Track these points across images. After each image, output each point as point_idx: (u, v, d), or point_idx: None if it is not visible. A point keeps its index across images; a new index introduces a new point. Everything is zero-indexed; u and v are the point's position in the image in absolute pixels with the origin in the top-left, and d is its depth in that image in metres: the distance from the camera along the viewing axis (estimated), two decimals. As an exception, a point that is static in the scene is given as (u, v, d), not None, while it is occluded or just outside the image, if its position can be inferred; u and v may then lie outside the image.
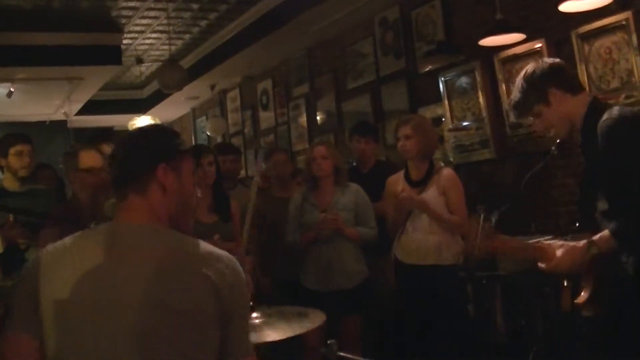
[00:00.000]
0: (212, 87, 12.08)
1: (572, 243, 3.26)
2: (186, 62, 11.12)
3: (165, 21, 9.39)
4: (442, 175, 5.38)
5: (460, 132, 7.01)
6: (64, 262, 2.22)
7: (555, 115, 3.32)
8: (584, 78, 5.58)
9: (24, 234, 4.86)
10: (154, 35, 10.20)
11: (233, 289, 2.27)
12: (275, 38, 9.13)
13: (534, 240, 3.50)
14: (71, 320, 2.15)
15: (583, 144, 3.30)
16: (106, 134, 6.65)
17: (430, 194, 5.28)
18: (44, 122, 12.68)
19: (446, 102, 7.15)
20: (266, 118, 11.30)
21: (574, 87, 3.34)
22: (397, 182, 5.50)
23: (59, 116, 12.40)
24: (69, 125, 12.95)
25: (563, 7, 5.23)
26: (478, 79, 6.74)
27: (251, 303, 3.07)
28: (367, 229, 5.60)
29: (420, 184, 5.38)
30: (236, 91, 12.38)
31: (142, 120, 11.71)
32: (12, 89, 10.18)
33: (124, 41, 10.07)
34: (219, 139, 12.50)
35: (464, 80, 6.96)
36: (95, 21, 9.09)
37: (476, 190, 6.58)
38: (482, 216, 3.57)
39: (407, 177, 5.47)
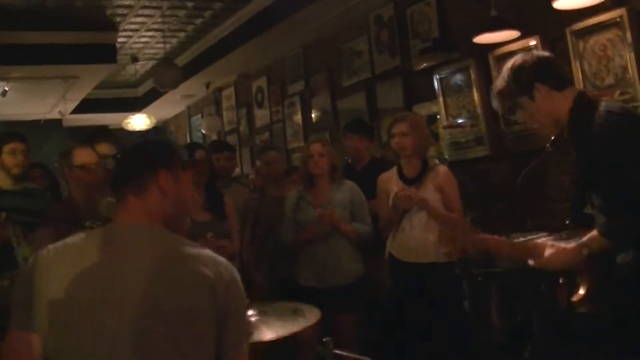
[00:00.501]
0: (207, 85, 12.08)
1: (562, 244, 3.28)
2: (181, 61, 11.11)
3: (160, 19, 9.38)
4: (438, 172, 5.39)
5: (455, 130, 7.01)
6: (62, 262, 2.23)
7: (539, 111, 3.31)
8: (578, 75, 5.59)
9: (16, 231, 4.86)
10: (149, 33, 10.19)
11: (230, 288, 2.28)
12: (270, 36, 9.13)
13: (528, 238, 3.49)
14: (69, 319, 2.16)
15: (572, 139, 3.28)
16: (102, 132, 6.63)
17: (427, 192, 5.28)
18: (39, 121, 12.67)
19: (441, 99, 7.15)
20: (261, 116, 11.29)
21: (560, 83, 3.32)
22: (389, 180, 5.50)
23: (54, 115, 12.39)
24: (64, 124, 12.95)
25: (557, 4, 5.23)
26: (473, 76, 6.74)
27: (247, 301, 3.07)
28: (363, 226, 5.61)
29: (414, 182, 5.37)
30: (231, 89, 12.37)
31: (137, 119, 11.72)
32: (6, 88, 10.17)
33: (119, 39, 10.07)
34: (214, 137, 12.49)
35: (458, 78, 6.96)
36: (90, 20, 9.08)
37: (471, 187, 6.58)
38: (468, 217, 3.59)
39: (401, 175, 5.46)
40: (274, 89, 10.87)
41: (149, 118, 12.12)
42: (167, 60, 9.87)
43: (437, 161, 6.18)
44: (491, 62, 6.46)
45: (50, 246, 2.33)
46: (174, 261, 2.25)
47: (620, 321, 3.05)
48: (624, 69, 5.34)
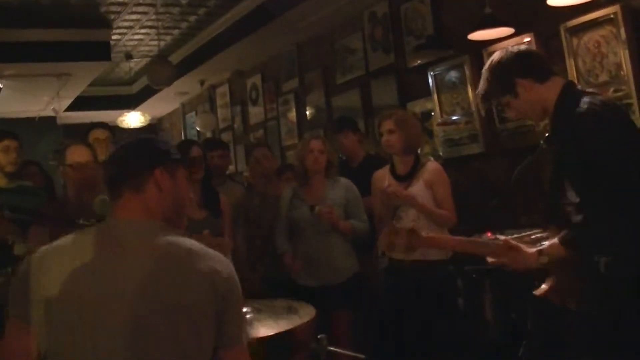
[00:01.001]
0: (202, 82, 12.06)
1: (523, 246, 3.28)
2: (175, 58, 11.10)
3: (154, 17, 9.37)
4: (428, 169, 5.38)
5: (449, 127, 7.01)
6: (60, 260, 2.24)
7: (525, 105, 3.28)
8: (572, 72, 5.59)
9: (11, 229, 4.85)
10: (143, 30, 10.17)
11: (228, 282, 2.32)
12: (265, 33, 9.12)
13: (522, 234, 3.48)
14: (67, 318, 2.17)
15: (554, 131, 3.26)
16: (98, 123, 6.62)
17: (417, 188, 5.27)
18: (34, 118, 12.64)
19: (435, 96, 7.15)
20: (256, 113, 11.28)
21: (543, 74, 3.28)
22: (383, 177, 5.50)
23: (48, 113, 12.36)
24: (58, 121, 12.93)
25: (552, 1, 5.24)
26: (467, 73, 6.74)
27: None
28: (359, 223, 5.61)
29: (406, 179, 5.37)
30: (225, 86, 12.35)
31: (132, 116, 11.69)
32: (0, 86, 10.14)
33: (113, 37, 10.05)
34: (209, 135, 12.48)
35: (453, 75, 6.96)
36: (84, 17, 9.06)
37: (465, 184, 6.58)
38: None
39: (393, 172, 5.46)
40: (268, 86, 10.86)
41: (143, 115, 12.09)
42: (161, 57, 9.84)
43: (431, 158, 6.18)
44: (485, 59, 6.42)
45: (48, 245, 2.34)
46: (172, 257, 2.26)
47: (596, 317, 3.05)
48: (618, 66, 5.34)
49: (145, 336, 2.16)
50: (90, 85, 11.51)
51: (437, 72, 7.12)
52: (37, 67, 9.69)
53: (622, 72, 5.31)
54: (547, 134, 3.39)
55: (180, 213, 2.53)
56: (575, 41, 5.64)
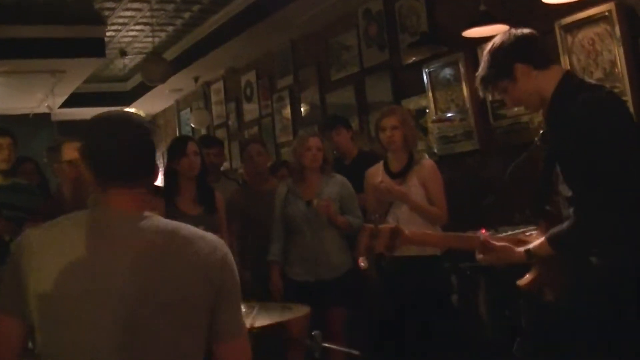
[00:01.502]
0: (196, 79, 12.05)
1: (508, 245, 3.28)
2: (170, 55, 11.09)
3: (148, 13, 9.36)
4: (422, 166, 5.37)
5: (444, 124, 7.02)
6: (51, 252, 2.20)
7: (522, 92, 3.21)
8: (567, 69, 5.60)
9: (8, 227, 4.85)
10: (137, 27, 10.16)
11: (224, 267, 2.31)
12: (259, 30, 9.12)
13: (516, 231, 3.49)
14: (59, 311, 2.14)
15: (549, 120, 3.22)
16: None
17: (411, 185, 5.27)
18: (28, 115, 12.62)
19: (430, 93, 7.16)
20: (250, 110, 11.29)
21: (543, 61, 3.23)
22: (376, 173, 5.49)
23: (42, 109, 12.34)
24: (52, 118, 12.90)
25: (546, -1, 5.25)
26: (462, 70, 6.75)
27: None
28: (355, 218, 5.61)
29: (400, 176, 5.37)
30: (220, 83, 12.35)
31: (126, 113, 11.66)
32: (-6, 82, 10.15)
33: (108, 33, 10.03)
34: (203, 131, 12.47)
35: (447, 72, 6.97)
36: (78, 13, 9.04)
37: (460, 181, 6.59)
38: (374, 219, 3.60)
39: (387, 169, 5.46)
40: (262, 83, 10.87)
41: (138, 112, 12.08)
42: (155, 54, 9.84)
43: (425, 155, 6.18)
44: (480, 56, 6.46)
45: (36, 231, 2.31)
46: (164, 248, 2.23)
47: (600, 317, 3.04)
48: (613, 63, 5.35)
49: (137, 331, 2.14)
50: (85, 82, 11.51)
51: (431, 69, 7.13)
52: (32, 63, 9.68)
53: (616, 70, 5.32)
54: (541, 131, 3.38)
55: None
56: (569, 38, 5.65)
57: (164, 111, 15.32)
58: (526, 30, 3.31)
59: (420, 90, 7.31)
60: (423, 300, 5.21)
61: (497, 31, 5.91)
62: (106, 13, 9.31)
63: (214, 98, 12.63)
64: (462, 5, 6.71)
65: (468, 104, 6.69)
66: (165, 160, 5.64)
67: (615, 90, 5.21)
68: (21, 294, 2.19)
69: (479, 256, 3.36)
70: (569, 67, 5.59)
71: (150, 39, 10.23)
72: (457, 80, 6.82)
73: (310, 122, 9.35)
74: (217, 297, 2.26)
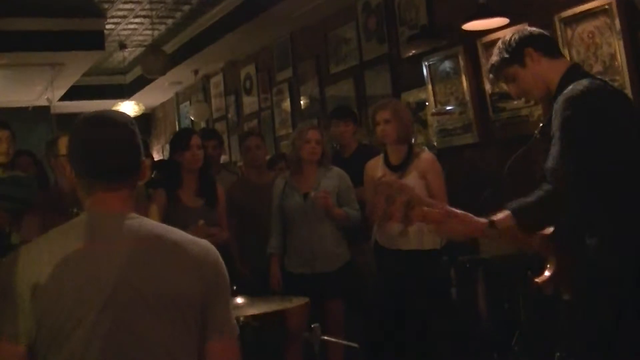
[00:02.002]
0: (196, 72, 12.04)
1: (469, 215, 3.29)
2: (169, 47, 11.08)
3: (148, 6, 9.36)
4: (421, 159, 5.38)
5: (443, 117, 7.02)
6: (45, 255, 2.20)
7: (530, 77, 3.24)
8: (566, 62, 5.59)
9: (5, 219, 4.84)
10: (136, 20, 10.15)
11: (216, 269, 2.31)
12: (258, 23, 9.11)
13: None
14: (54, 312, 2.14)
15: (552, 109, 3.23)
16: None
17: (411, 178, 5.27)
18: (27, 108, 12.62)
19: (429, 86, 7.16)
20: (250, 103, 11.28)
21: (553, 51, 3.29)
22: (376, 167, 5.50)
23: (42, 102, 12.34)
24: (52, 111, 12.89)
25: (546, -9, 5.24)
26: (461, 63, 6.74)
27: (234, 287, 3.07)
28: (353, 211, 5.62)
29: (399, 168, 5.37)
30: (219, 76, 12.34)
31: (126, 106, 11.67)
32: (-7, 75, 10.14)
33: (107, 26, 10.03)
34: (203, 124, 12.47)
35: (447, 65, 6.96)
36: (78, 6, 9.04)
37: (459, 174, 6.59)
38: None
39: (387, 162, 5.46)
40: (262, 76, 10.85)
41: (137, 105, 12.07)
42: (155, 47, 9.83)
43: (425, 148, 6.18)
44: (480, 49, 6.47)
45: (34, 240, 2.32)
46: (157, 249, 2.24)
47: (586, 306, 3.05)
48: (612, 56, 5.35)
49: (130, 330, 2.15)
50: (84, 74, 11.50)
51: (431, 62, 7.12)
52: (31, 56, 9.67)
53: (616, 63, 5.32)
54: (541, 124, 3.39)
55: None
56: (569, 32, 5.64)
57: (164, 104, 15.32)
58: (539, 29, 3.38)
59: (420, 83, 7.30)
60: (422, 294, 5.21)
61: (496, 24, 5.95)
62: (106, 5, 9.31)
63: (213, 91, 12.63)
64: (461, -2, 6.70)
65: (467, 97, 6.69)
66: (168, 152, 5.66)
67: (615, 84, 5.22)
68: (16, 314, 2.18)
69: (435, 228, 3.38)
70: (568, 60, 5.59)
71: (149, 32, 10.23)
72: (457, 73, 6.82)
73: (309, 115, 9.35)
74: (208, 298, 2.27)
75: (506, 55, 3.30)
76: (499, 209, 3.29)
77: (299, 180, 5.69)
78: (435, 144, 7.07)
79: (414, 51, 7.19)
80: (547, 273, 3.20)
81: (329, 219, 5.56)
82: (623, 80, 5.25)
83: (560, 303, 3.26)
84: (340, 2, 8.39)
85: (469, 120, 6.70)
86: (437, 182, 5.32)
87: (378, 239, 5.48)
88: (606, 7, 5.33)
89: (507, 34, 3.42)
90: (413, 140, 5.64)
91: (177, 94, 14.29)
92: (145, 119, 15.19)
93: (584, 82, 3.04)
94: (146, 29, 10.41)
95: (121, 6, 9.40)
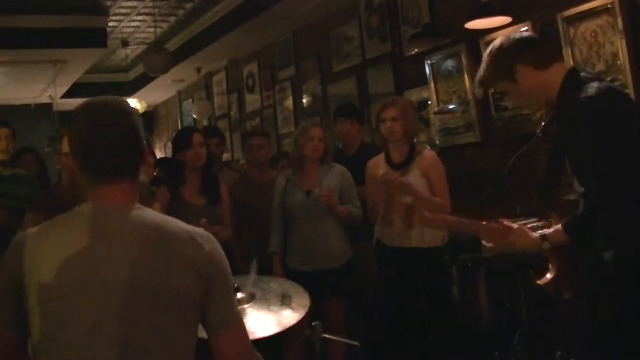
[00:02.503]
0: (198, 70, 12.05)
1: (525, 229, 3.27)
2: (172, 45, 11.09)
3: (150, 3, 9.36)
4: (424, 157, 5.38)
5: (445, 115, 7.01)
6: (48, 247, 2.21)
7: (524, 92, 3.23)
8: (569, 61, 5.58)
9: (5, 216, 4.85)
10: (139, 17, 10.16)
11: (213, 261, 2.31)
12: (261, 21, 9.10)
13: (517, 223, 3.46)
14: (55, 304, 2.15)
15: (556, 118, 3.21)
16: None
17: (413, 176, 5.27)
18: (29, 105, 12.63)
19: (432, 85, 7.15)
20: (252, 101, 11.28)
21: (544, 61, 3.22)
22: (377, 165, 5.50)
23: (44, 99, 12.35)
24: (54, 108, 12.90)
25: (548, -10, 5.23)
26: (464, 62, 6.73)
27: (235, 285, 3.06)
28: (355, 208, 5.62)
29: (401, 167, 5.37)
30: (222, 74, 12.35)
31: (128, 104, 11.67)
32: (-5, 72, 10.15)
33: (110, 24, 10.03)
34: (205, 122, 12.47)
35: (449, 64, 6.95)
36: (80, 3, 9.05)
37: (461, 173, 6.58)
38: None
39: (389, 160, 5.46)
40: (264, 74, 10.86)
41: (140, 103, 12.08)
42: (157, 44, 9.84)
43: (427, 146, 6.18)
44: (482, 47, 6.44)
45: (35, 229, 2.31)
46: (156, 242, 2.24)
47: (594, 308, 3.04)
48: (615, 55, 5.34)
49: (130, 323, 2.15)
50: (87, 72, 11.51)
51: (433, 61, 7.11)
52: (33, 53, 9.68)
53: (618, 62, 5.31)
54: (543, 123, 3.37)
55: None
56: (571, 30, 5.63)
57: (166, 102, 15.33)
58: (525, 33, 3.31)
59: (422, 82, 7.29)
60: (423, 292, 5.21)
61: (499, 23, 5.94)
62: (108, 3, 9.32)
63: (215, 89, 12.63)
64: (463, -3, 6.70)
65: (470, 96, 6.68)
66: (171, 150, 5.67)
67: (617, 83, 5.22)
68: (17, 296, 2.19)
69: (488, 244, 3.35)
70: (571, 59, 5.57)
71: (152, 30, 10.23)
72: (459, 72, 6.81)
73: (312, 113, 9.35)
74: (207, 290, 2.28)
75: (495, 71, 3.28)
76: (500, 208, 3.28)
77: (301, 178, 5.70)
78: (437, 142, 7.06)
79: (416, 50, 7.18)
80: (549, 275, 3.20)
81: (332, 216, 5.56)
82: (625, 79, 5.24)
83: (561, 303, 3.25)
84: (342, 0, 8.39)
85: (471, 119, 6.69)
86: (439, 180, 5.32)
87: (379, 237, 5.48)
88: (609, 6, 5.32)
89: (492, 44, 3.36)
90: (415, 139, 5.62)
91: (179, 92, 14.30)
92: (148, 117, 15.20)
93: (595, 85, 3.03)
94: (149, 27, 10.40)
95: (124, 4, 9.41)
